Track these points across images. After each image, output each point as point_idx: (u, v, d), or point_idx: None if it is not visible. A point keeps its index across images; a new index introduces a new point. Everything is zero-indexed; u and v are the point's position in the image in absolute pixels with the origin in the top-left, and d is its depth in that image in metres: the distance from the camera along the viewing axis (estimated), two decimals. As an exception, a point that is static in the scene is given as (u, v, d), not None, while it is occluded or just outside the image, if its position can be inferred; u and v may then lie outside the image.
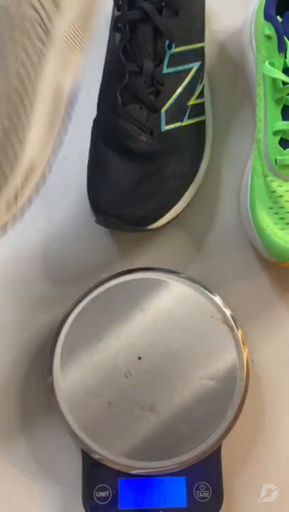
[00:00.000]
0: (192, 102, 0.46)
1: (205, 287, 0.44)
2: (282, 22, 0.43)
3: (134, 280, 0.44)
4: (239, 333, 0.42)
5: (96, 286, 0.44)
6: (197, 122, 0.47)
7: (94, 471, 0.42)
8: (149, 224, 0.44)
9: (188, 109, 0.46)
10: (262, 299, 0.48)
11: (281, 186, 0.44)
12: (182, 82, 0.45)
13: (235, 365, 0.42)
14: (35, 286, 0.49)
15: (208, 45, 0.51)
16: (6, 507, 0.45)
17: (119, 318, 0.43)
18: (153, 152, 0.44)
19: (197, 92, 0.46)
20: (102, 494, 0.42)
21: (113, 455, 0.41)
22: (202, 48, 0.47)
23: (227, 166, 0.51)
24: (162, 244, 0.50)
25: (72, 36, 0.36)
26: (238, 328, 0.43)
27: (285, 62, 0.43)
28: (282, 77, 0.43)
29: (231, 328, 0.42)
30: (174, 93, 0.45)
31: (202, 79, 0.47)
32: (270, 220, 0.44)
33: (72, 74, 0.36)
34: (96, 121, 0.47)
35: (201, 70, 0.47)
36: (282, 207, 0.44)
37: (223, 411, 0.41)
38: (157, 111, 0.44)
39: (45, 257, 0.50)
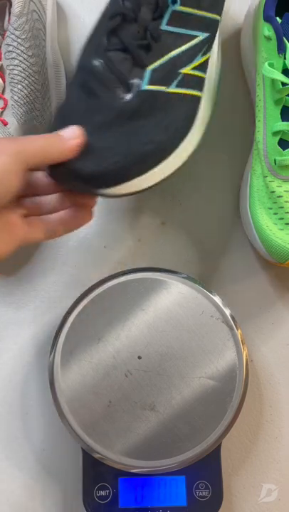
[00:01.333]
0: (187, 70, 0.41)
1: (205, 287, 0.44)
2: (281, 23, 0.43)
3: (134, 280, 0.44)
4: (238, 332, 0.42)
5: (96, 286, 0.44)
6: (188, 95, 0.41)
7: (94, 470, 0.42)
8: (104, 187, 0.38)
9: (180, 77, 0.40)
10: (262, 299, 0.49)
11: (280, 187, 0.44)
12: (180, 46, 0.40)
13: (234, 365, 0.42)
14: (36, 286, 0.49)
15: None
16: (6, 506, 0.45)
17: (119, 318, 0.43)
18: (126, 110, 0.39)
19: (196, 63, 0.41)
20: (103, 493, 0.42)
21: (113, 454, 0.41)
22: (215, 21, 0.42)
23: (227, 166, 0.51)
24: (162, 244, 0.50)
25: None
26: (237, 328, 0.43)
27: (284, 63, 0.43)
28: (282, 78, 0.43)
29: (231, 328, 0.42)
30: (167, 53, 0.40)
31: (206, 51, 0.42)
32: (270, 221, 0.44)
33: None
34: (76, 67, 0.42)
35: (207, 42, 0.42)
36: (281, 207, 0.44)
37: (222, 410, 0.41)
38: (143, 67, 0.39)
39: (45, 257, 0.50)
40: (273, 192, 0.44)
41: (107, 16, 0.40)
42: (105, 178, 0.37)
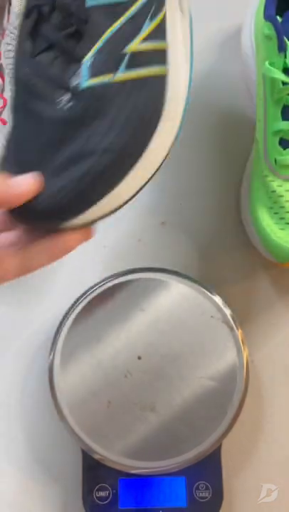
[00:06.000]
0: (134, 47, 0.32)
1: (205, 287, 0.44)
2: (282, 22, 0.43)
3: (134, 280, 0.44)
4: (239, 333, 0.42)
5: (96, 287, 0.44)
6: (145, 77, 0.32)
7: (94, 470, 0.42)
8: (63, 220, 0.32)
9: (127, 58, 0.31)
10: (262, 299, 0.48)
11: (281, 186, 0.44)
12: (117, 19, 0.32)
13: (235, 365, 0.42)
14: (35, 285, 0.49)
15: (208, 45, 0.51)
16: (6, 507, 0.45)
17: (119, 318, 0.43)
18: (70, 118, 0.31)
19: (144, 33, 0.32)
20: (102, 494, 0.42)
21: (113, 455, 0.41)
22: None
23: (226, 166, 0.51)
24: (162, 244, 0.50)
25: None
26: (238, 328, 0.43)
27: (284, 63, 0.43)
28: (282, 77, 0.43)
29: (231, 328, 0.42)
30: (102, 34, 0.31)
31: (157, 12, 0.33)
32: (270, 220, 0.44)
33: None
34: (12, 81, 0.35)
35: (153, 1, 0.33)
36: (282, 207, 0.44)
37: (222, 411, 0.41)
38: (78, 60, 0.31)
39: (45, 257, 0.50)
40: (274, 191, 0.44)
41: (24, 14, 0.33)
42: (63, 211, 0.31)
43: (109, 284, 0.44)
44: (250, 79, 0.50)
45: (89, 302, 0.43)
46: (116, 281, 0.44)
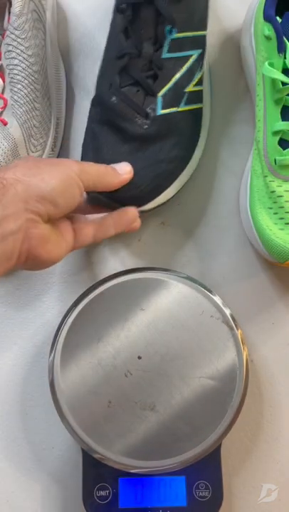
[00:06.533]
0: (190, 88, 0.46)
1: (205, 287, 0.44)
2: (281, 22, 0.43)
3: (134, 280, 0.44)
4: (239, 332, 0.42)
5: (96, 286, 0.44)
6: (194, 109, 0.47)
7: (94, 470, 0.42)
8: (139, 206, 0.45)
9: (186, 96, 0.45)
10: (262, 299, 0.48)
11: (281, 186, 0.44)
12: (181, 68, 0.45)
13: (234, 365, 0.42)
14: (36, 285, 0.49)
15: (208, 46, 0.51)
16: (6, 506, 0.45)
17: (119, 318, 0.43)
18: (148, 135, 0.44)
19: (196, 80, 0.46)
20: (103, 493, 0.42)
21: (113, 454, 0.41)
22: (203, 36, 0.47)
23: (227, 166, 0.51)
24: (162, 244, 0.50)
25: None
26: (237, 328, 0.43)
27: (284, 63, 0.43)
28: (282, 77, 0.43)
29: (231, 328, 0.42)
30: (172, 78, 0.45)
31: (202, 67, 0.47)
32: (270, 220, 0.44)
33: None
34: (93, 101, 0.47)
35: (201, 57, 0.46)
36: (281, 207, 0.44)
37: (222, 410, 0.41)
38: (154, 95, 0.44)
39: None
40: (273, 192, 0.44)
41: (114, 55, 0.45)
42: (140, 199, 0.44)
43: (109, 284, 0.44)
44: (250, 79, 0.50)
45: (89, 302, 0.43)
46: (116, 281, 0.44)
